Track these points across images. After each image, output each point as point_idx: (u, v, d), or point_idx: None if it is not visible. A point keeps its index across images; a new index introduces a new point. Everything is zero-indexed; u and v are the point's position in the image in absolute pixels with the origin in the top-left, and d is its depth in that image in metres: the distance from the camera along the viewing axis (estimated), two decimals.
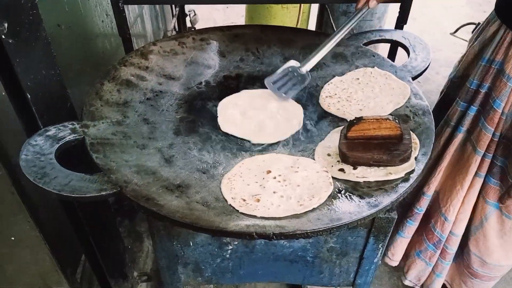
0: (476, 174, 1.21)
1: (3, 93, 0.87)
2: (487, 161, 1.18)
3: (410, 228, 1.46)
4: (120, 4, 1.27)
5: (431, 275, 1.49)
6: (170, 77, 1.15)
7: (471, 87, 1.17)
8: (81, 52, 1.48)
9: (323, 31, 2.16)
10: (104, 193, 0.78)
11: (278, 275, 1.05)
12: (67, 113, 1.03)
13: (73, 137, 0.89)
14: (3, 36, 0.79)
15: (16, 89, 0.85)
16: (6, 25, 0.79)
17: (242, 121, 1.01)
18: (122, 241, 1.48)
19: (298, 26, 2.18)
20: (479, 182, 1.22)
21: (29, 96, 0.85)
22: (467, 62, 1.23)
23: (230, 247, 0.96)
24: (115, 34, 1.74)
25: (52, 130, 0.90)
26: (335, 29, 1.65)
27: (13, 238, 1.22)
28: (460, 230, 1.32)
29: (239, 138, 0.97)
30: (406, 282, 1.59)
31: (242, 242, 0.95)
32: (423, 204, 1.38)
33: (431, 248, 1.41)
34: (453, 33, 3.40)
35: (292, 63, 1.09)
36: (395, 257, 1.55)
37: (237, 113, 1.04)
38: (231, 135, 0.97)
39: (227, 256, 0.98)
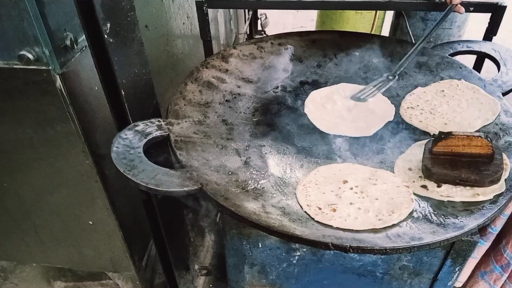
0: None
1: (100, 88, 0.94)
2: None
3: (481, 248, 1.36)
4: (204, 7, 1.32)
5: None
6: (248, 80, 1.17)
7: None
8: (164, 52, 1.56)
9: (401, 38, 2.09)
10: (186, 188, 0.81)
11: (344, 287, 1.02)
12: (153, 111, 1.09)
13: (159, 133, 0.94)
14: (105, 36, 0.85)
15: (112, 85, 0.91)
16: (108, 25, 0.86)
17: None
18: (188, 234, 1.54)
19: (373, 32, 2.12)
20: None
21: (123, 93, 0.91)
22: None
23: (298, 253, 0.96)
24: (193, 36, 1.82)
25: (140, 126, 0.95)
26: (411, 36, 1.60)
27: (91, 223, 1.31)
28: None
29: (316, 144, 0.97)
30: None
31: (310, 250, 0.95)
32: (499, 224, 1.28)
33: (498, 270, 1.31)
34: None
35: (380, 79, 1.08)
36: (461, 277, 1.45)
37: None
38: (307, 143, 0.97)
39: (294, 262, 0.98)
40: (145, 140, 0.91)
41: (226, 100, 1.10)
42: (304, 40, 1.32)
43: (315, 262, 0.98)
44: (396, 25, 2.27)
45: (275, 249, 0.97)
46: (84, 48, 0.97)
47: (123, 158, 0.86)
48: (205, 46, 1.42)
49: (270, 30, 2.78)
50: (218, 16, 2.35)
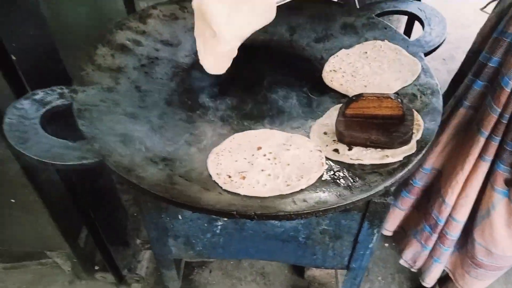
0: (480, 157, 1.12)
1: None
2: (494, 144, 1.08)
3: (405, 200, 1.41)
4: None
5: (429, 260, 1.44)
6: (167, 43, 1.10)
7: (480, 60, 1.09)
8: (87, 12, 1.43)
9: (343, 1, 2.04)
10: (85, 161, 0.75)
11: (270, 254, 1.02)
12: (59, 78, 1.00)
13: (61, 102, 0.87)
14: None
15: (1, 51, 0.82)
16: None
17: None
18: (124, 209, 1.49)
19: None
20: (484, 166, 1.13)
21: (14, 58, 0.82)
22: (483, 35, 1.14)
23: (220, 223, 0.94)
24: None
25: (39, 94, 0.87)
26: (356, 0, 1.56)
27: (13, 201, 1.23)
28: (462, 216, 1.25)
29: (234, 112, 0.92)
30: (401, 262, 1.54)
31: (231, 219, 0.93)
32: (419, 178, 1.32)
33: (427, 230, 1.36)
34: (482, 9, 3.19)
35: None
36: (387, 226, 1.51)
37: None
38: (227, 109, 0.93)
39: (217, 231, 0.96)
40: (43, 110, 0.84)
41: (142, 65, 1.02)
42: None
43: (238, 231, 0.97)
44: None
45: (196, 220, 0.95)
46: None
47: (16, 130, 0.79)
48: (127, 6, 1.31)
49: None
50: None
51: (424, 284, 1.51)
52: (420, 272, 1.51)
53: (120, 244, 1.54)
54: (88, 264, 1.58)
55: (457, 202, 1.24)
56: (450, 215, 1.27)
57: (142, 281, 1.61)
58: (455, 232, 1.29)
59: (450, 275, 1.47)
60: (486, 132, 1.08)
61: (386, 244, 1.87)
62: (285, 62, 1.06)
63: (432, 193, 1.35)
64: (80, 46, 1.31)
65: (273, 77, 1.02)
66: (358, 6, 1.27)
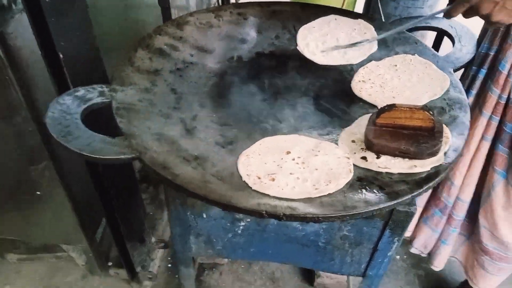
0: (482, 137, 1.18)
1: (39, 52, 0.90)
2: (494, 124, 1.15)
3: (423, 197, 1.42)
4: None
5: (437, 243, 1.45)
6: (203, 49, 1.14)
7: (482, 51, 1.15)
8: (121, 20, 1.50)
9: (373, 16, 2.07)
10: (123, 156, 0.79)
11: (288, 257, 1.04)
12: (99, 78, 1.05)
13: (101, 100, 0.91)
14: None
15: (50, 48, 0.87)
16: None
17: None
18: (143, 207, 1.52)
19: (344, 7, 2.09)
20: (485, 146, 1.19)
21: (61, 56, 0.87)
22: (484, 30, 1.20)
23: (243, 223, 0.96)
24: (158, 5, 1.75)
25: (81, 91, 0.92)
26: (382, 14, 1.59)
27: (38, 193, 1.28)
28: (467, 196, 1.29)
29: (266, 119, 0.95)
30: (412, 250, 1.55)
31: (254, 220, 0.95)
32: None
33: (438, 214, 1.38)
34: None
35: None
36: (409, 227, 1.52)
37: None
38: (257, 115, 0.95)
39: (239, 232, 0.98)
40: (84, 106, 0.88)
41: (177, 69, 1.06)
42: (264, 11, 1.29)
43: (259, 232, 0.98)
44: (369, 2, 2.25)
45: (220, 219, 0.97)
46: None
47: (58, 123, 0.83)
48: (164, 14, 1.37)
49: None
50: None
51: (432, 267, 1.53)
52: (429, 257, 1.53)
53: (137, 241, 1.57)
54: (103, 259, 1.61)
55: (464, 182, 1.28)
56: (457, 196, 1.31)
57: (154, 278, 1.62)
58: (461, 212, 1.33)
59: (462, 268, 1.49)
60: (487, 113, 1.15)
61: (398, 257, 1.86)
62: (316, 72, 1.08)
63: (441, 182, 1.37)
64: (119, 50, 1.37)
65: (304, 85, 1.05)
66: (383, 20, 1.29)
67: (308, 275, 1.78)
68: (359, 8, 2.36)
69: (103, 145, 0.81)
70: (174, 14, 1.50)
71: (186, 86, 1.02)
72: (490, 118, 1.15)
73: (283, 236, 0.97)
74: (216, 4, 2.45)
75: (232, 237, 0.99)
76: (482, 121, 1.16)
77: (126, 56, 1.04)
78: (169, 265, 1.75)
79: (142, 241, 1.54)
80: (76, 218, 1.33)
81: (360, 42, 1.10)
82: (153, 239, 1.63)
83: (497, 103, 1.12)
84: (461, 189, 1.30)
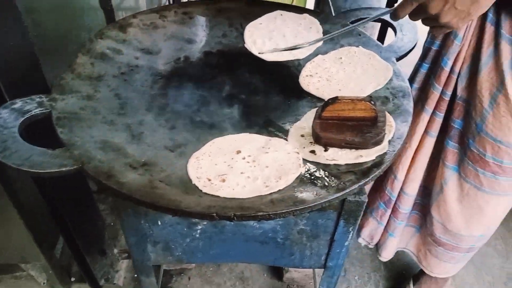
0: (426, 133, 1.21)
1: None
2: (438, 120, 1.18)
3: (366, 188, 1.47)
4: None
5: (384, 235, 1.51)
6: (148, 51, 1.11)
7: (426, 45, 1.19)
8: (64, 26, 1.44)
9: (323, 10, 2.09)
10: (64, 168, 0.76)
11: (249, 256, 1.04)
12: (38, 87, 1.00)
13: (40, 110, 0.87)
14: None
15: None
16: None
17: None
18: (101, 218, 1.47)
19: (294, 4, 2.11)
20: (430, 141, 1.22)
21: None
22: None
23: (199, 227, 0.95)
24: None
25: (18, 103, 0.87)
26: (332, 8, 1.61)
27: None
28: (411, 190, 1.33)
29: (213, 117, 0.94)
30: (360, 240, 1.61)
31: (210, 223, 0.94)
32: None
33: (382, 207, 1.43)
34: None
35: None
36: None
37: None
38: (206, 116, 0.94)
39: (197, 236, 0.97)
40: (22, 119, 0.84)
41: (122, 73, 1.03)
42: (210, 9, 1.27)
43: (217, 234, 0.98)
44: None
45: (175, 225, 0.95)
46: None
47: None
48: (106, 16, 1.33)
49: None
50: None
51: (381, 258, 1.58)
52: (377, 248, 1.59)
53: (97, 253, 1.53)
54: (64, 275, 1.55)
55: (407, 177, 1.32)
56: (401, 189, 1.35)
57: None
58: (406, 205, 1.37)
59: (414, 258, 1.54)
60: (429, 109, 1.18)
61: (363, 244, 1.91)
62: (265, 69, 1.08)
63: (385, 174, 1.41)
64: (59, 56, 1.32)
65: (253, 83, 1.04)
66: (333, 14, 1.31)
67: (277, 272, 1.80)
68: (310, 3, 2.38)
69: (43, 158, 0.77)
70: (122, 16, 1.45)
71: (131, 90, 0.99)
72: (433, 114, 1.17)
73: (241, 236, 0.97)
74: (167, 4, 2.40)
75: (191, 241, 0.98)
76: (424, 117, 1.19)
77: (66, 63, 1.00)
78: (135, 275, 1.71)
79: (103, 253, 1.49)
80: (30, 235, 1.27)
81: (297, 47, 1.06)
82: (115, 250, 1.59)
83: (441, 99, 1.14)
84: (405, 183, 1.33)
